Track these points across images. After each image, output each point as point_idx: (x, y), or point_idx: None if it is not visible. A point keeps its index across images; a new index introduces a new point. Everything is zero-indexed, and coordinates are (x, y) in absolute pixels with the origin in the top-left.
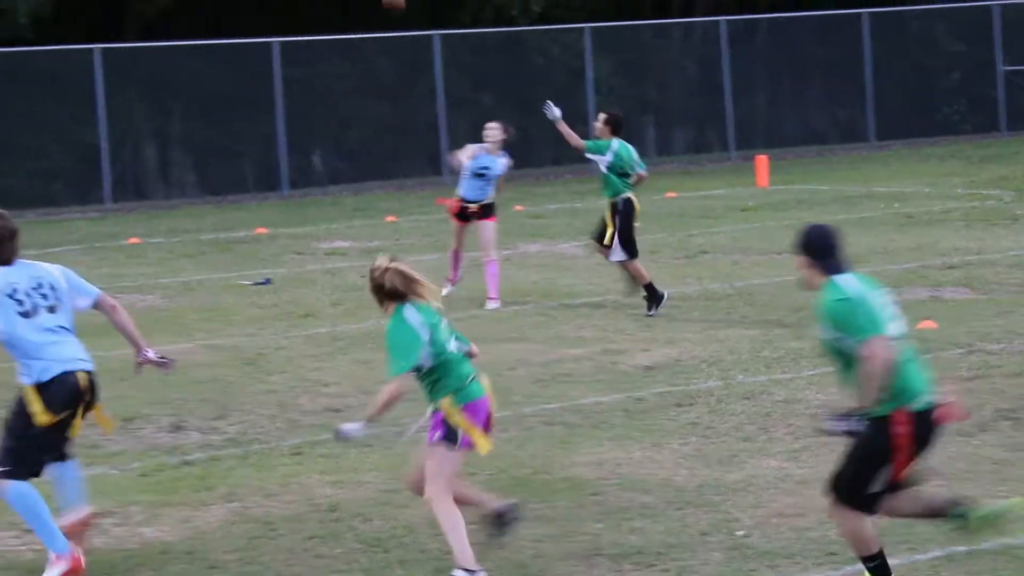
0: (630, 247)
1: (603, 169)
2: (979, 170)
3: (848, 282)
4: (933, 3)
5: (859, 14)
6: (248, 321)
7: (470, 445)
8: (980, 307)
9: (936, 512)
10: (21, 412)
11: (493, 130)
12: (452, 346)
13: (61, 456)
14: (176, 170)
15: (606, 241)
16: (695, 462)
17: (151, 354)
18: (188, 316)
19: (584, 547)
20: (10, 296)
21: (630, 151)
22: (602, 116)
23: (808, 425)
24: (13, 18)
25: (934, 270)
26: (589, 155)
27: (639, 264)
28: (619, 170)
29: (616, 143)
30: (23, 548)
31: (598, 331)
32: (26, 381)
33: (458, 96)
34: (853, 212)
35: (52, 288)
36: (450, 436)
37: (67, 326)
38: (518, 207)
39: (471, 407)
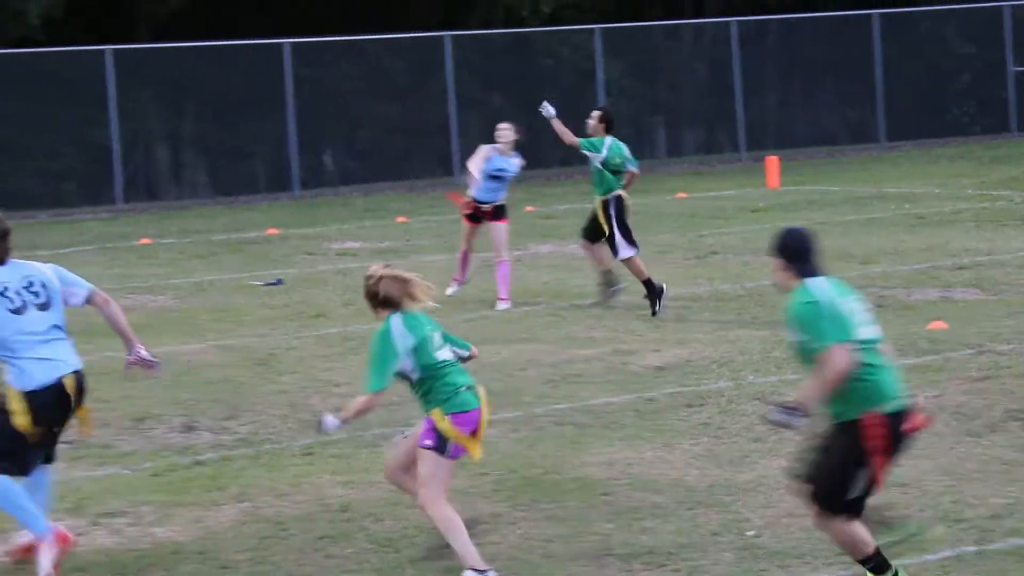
0: (633, 242)
1: (597, 165)
2: (989, 171)
3: (819, 286)
4: (944, 4)
5: (869, 15)
6: (259, 322)
7: (461, 452)
8: (990, 308)
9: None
10: (5, 411)
11: (505, 131)
12: (444, 354)
13: (46, 458)
14: (188, 171)
15: (604, 240)
16: (706, 462)
17: (143, 352)
18: (199, 317)
19: (595, 547)
20: (1, 294)
21: (623, 148)
22: (596, 113)
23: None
24: (25, 20)
25: (944, 271)
26: (584, 152)
27: (639, 260)
28: (613, 167)
29: (609, 140)
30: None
31: (609, 332)
32: (12, 384)
33: (469, 97)
34: (863, 213)
35: (43, 286)
36: (440, 445)
37: (59, 324)
38: (529, 208)
39: (459, 418)
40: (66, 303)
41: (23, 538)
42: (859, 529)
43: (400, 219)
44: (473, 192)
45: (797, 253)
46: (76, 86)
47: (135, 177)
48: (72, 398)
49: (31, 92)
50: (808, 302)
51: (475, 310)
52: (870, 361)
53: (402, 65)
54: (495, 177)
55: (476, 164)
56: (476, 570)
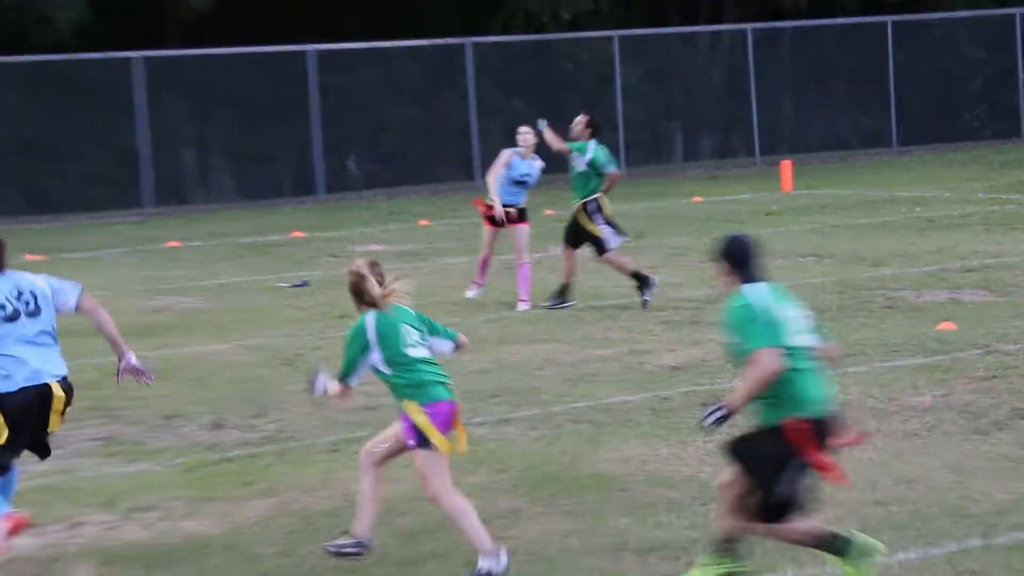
0: (620, 232)
1: (582, 168)
2: (999, 175)
3: (755, 291)
4: (956, 11)
5: (883, 22)
6: (285, 322)
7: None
8: (998, 309)
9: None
10: None
11: (526, 134)
12: (417, 352)
13: (43, 453)
14: (214, 175)
15: (599, 236)
16: (719, 459)
17: (133, 360)
18: (227, 317)
19: (611, 541)
20: None
21: (606, 151)
22: (583, 118)
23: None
24: (55, 26)
25: (953, 273)
26: (572, 155)
27: (620, 257)
28: (597, 170)
29: (594, 143)
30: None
31: (625, 332)
32: None
33: (489, 102)
34: (875, 216)
35: (33, 295)
36: (422, 441)
37: (49, 331)
38: (548, 211)
39: (434, 408)
40: (59, 311)
41: None
42: (807, 524)
43: (422, 222)
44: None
45: (739, 259)
46: (106, 92)
47: (163, 181)
48: (53, 403)
49: (62, 97)
50: (742, 306)
51: (495, 311)
52: (799, 367)
53: (424, 71)
54: (519, 182)
55: (496, 174)
56: (489, 552)
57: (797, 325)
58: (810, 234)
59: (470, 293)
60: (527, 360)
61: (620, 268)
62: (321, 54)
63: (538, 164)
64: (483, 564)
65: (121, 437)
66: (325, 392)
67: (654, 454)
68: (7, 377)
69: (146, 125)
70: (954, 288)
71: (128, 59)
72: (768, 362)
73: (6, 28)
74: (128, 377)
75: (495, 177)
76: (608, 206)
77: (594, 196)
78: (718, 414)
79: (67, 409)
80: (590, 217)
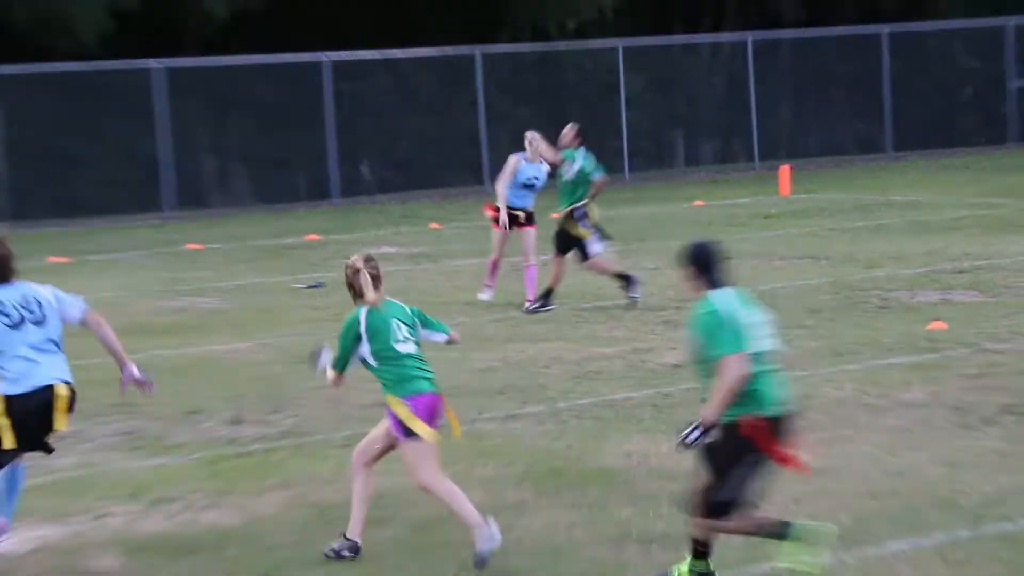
0: (603, 238)
1: (572, 175)
2: (990, 180)
3: (721, 297)
4: (949, 22)
5: (879, 32)
6: (301, 322)
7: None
8: (988, 309)
9: (698, 539)
10: None
11: (535, 139)
12: (405, 347)
13: (47, 450)
14: (233, 180)
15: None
16: None
17: (135, 372)
18: (245, 317)
19: (614, 531)
20: (1, 312)
21: (592, 158)
22: (572, 128)
23: (824, 420)
24: (79, 36)
25: (945, 274)
26: (565, 162)
27: (604, 260)
28: (584, 177)
29: (582, 151)
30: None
31: (628, 331)
32: (2, 390)
33: (498, 110)
34: (871, 219)
35: (39, 304)
36: (408, 432)
37: (54, 339)
38: (554, 215)
39: (414, 400)
40: (64, 321)
41: None
42: (758, 516)
43: (433, 225)
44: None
45: (705, 265)
46: (128, 99)
47: (183, 185)
48: (57, 403)
49: (86, 105)
50: (709, 312)
51: (504, 311)
52: (760, 369)
53: (435, 80)
54: (527, 186)
55: (505, 181)
56: (480, 525)
57: (760, 330)
58: (807, 237)
59: (483, 295)
60: (533, 358)
61: (604, 271)
62: (336, 63)
63: (545, 168)
64: (480, 546)
65: (144, 432)
66: (325, 371)
67: (656, 448)
68: (15, 381)
69: (167, 131)
70: (945, 289)
71: (149, 68)
72: (736, 368)
73: (32, 39)
74: (130, 387)
75: (504, 184)
76: (596, 212)
77: (581, 203)
78: (697, 432)
79: (72, 410)
80: (577, 223)
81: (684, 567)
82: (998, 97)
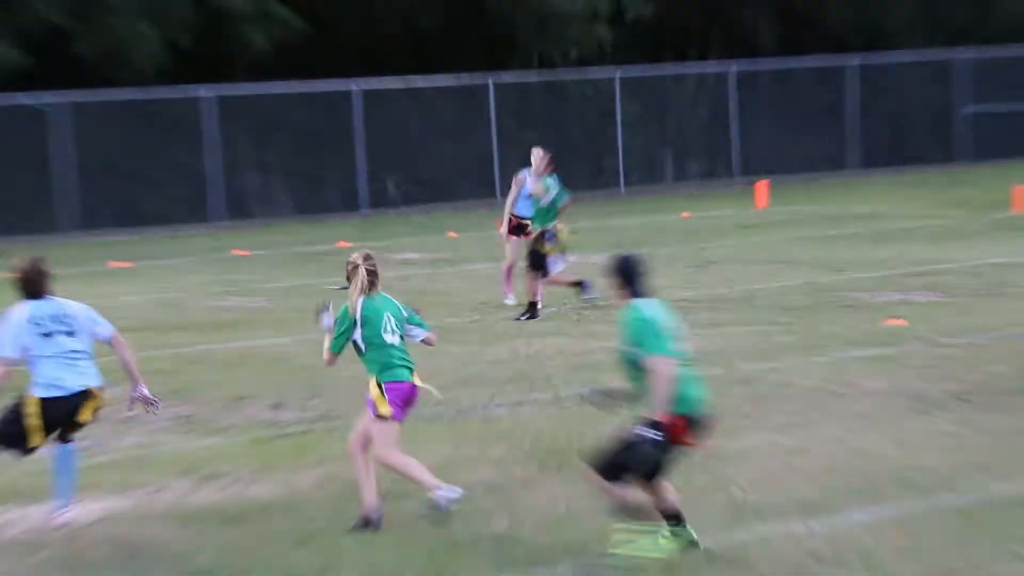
0: (565, 257)
1: (548, 202)
2: (943, 194)
3: (647, 305)
4: (907, 54)
5: (846, 63)
6: None
7: (401, 416)
8: (941, 308)
9: (664, 510)
10: (17, 407)
11: (539, 155)
12: (391, 338)
13: (64, 439)
14: (274, 193)
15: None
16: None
17: (144, 391)
18: (285, 315)
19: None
20: (32, 322)
21: (560, 182)
22: (546, 155)
23: (796, 406)
24: (139, 66)
25: (904, 277)
26: (549, 189)
27: (560, 275)
28: (558, 201)
29: (554, 177)
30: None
31: None
32: (33, 392)
33: (508, 132)
34: (838, 229)
35: (69, 318)
36: (378, 411)
37: (82, 349)
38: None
39: (392, 387)
40: (94, 336)
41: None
42: (638, 493)
43: (451, 234)
44: (515, 209)
45: (630, 276)
46: (182, 122)
47: (231, 198)
48: (82, 407)
49: (145, 128)
50: (639, 318)
51: (513, 310)
52: (679, 370)
53: (452, 105)
54: (531, 196)
55: (512, 197)
56: (437, 487)
57: (676, 335)
58: (782, 244)
59: (508, 300)
60: (540, 351)
61: (561, 283)
62: (365, 91)
63: (550, 181)
64: (436, 495)
65: (196, 416)
66: (326, 332)
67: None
68: (47, 386)
69: (216, 150)
70: (904, 290)
71: (200, 95)
72: (667, 366)
73: (99, 70)
74: (139, 405)
75: (511, 200)
76: (565, 234)
77: (552, 224)
78: (653, 432)
79: (97, 410)
80: (546, 242)
81: (667, 532)
82: (949, 121)
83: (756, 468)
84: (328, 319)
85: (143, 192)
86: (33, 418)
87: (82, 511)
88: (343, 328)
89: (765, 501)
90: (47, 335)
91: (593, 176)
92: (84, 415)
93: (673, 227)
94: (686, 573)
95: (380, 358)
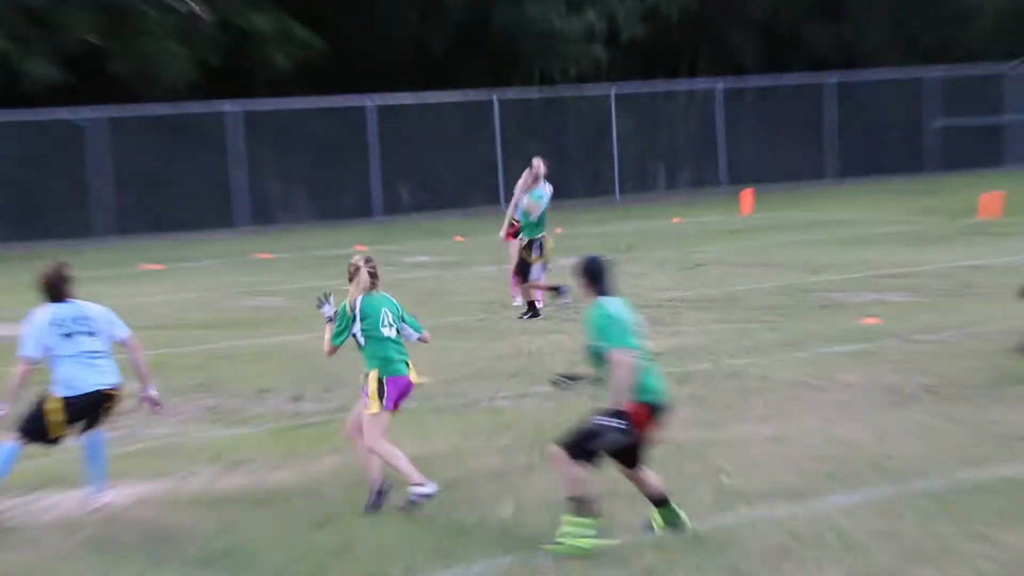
0: (546, 268)
1: (537, 216)
2: (914, 201)
3: (611, 303)
4: (881, 73)
5: (825, 80)
6: None
7: (392, 405)
8: (913, 307)
9: (650, 495)
10: (40, 404)
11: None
12: (388, 332)
13: (91, 427)
14: (295, 200)
15: (534, 263)
16: (691, 425)
17: (152, 392)
18: (305, 313)
19: (605, 488)
20: (54, 323)
21: (539, 196)
22: (532, 171)
23: (778, 398)
24: (169, 84)
25: (879, 278)
26: (537, 205)
27: (539, 282)
28: (546, 216)
29: (540, 191)
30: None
31: None
32: (54, 390)
33: (511, 144)
34: (816, 233)
35: (89, 319)
36: (378, 399)
37: (102, 350)
38: (558, 229)
39: (392, 381)
40: (112, 338)
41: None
42: (582, 471)
43: (458, 238)
44: (517, 215)
45: (595, 276)
46: (209, 135)
47: (254, 205)
48: (102, 404)
49: (176, 139)
50: (603, 315)
51: (516, 310)
52: (640, 363)
53: (460, 118)
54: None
55: (512, 204)
56: (419, 484)
57: (639, 330)
58: (765, 247)
59: (516, 301)
60: (541, 348)
61: (540, 288)
62: (379, 106)
63: (548, 188)
64: (412, 491)
65: (223, 407)
66: (326, 320)
67: None
68: (68, 385)
69: (241, 161)
70: (878, 290)
71: (226, 109)
72: (627, 359)
73: (132, 87)
74: (146, 405)
75: (512, 206)
76: (551, 244)
77: (539, 236)
78: (616, 421)
79: (116, 405)
80: (531, 252)
81: (657, 516)
82: (920, 134)
83: (742, 456)
84: (329, 309)
85: (173, 200)
86: (54, 414)
87: (117, 495)
88: (343, 324)
89: (751, 487)
90: (68, 336)
91: (590, 184)
92: (104, 410)
93: (665, 232)
94: (678, 553)
95: (379, 352)
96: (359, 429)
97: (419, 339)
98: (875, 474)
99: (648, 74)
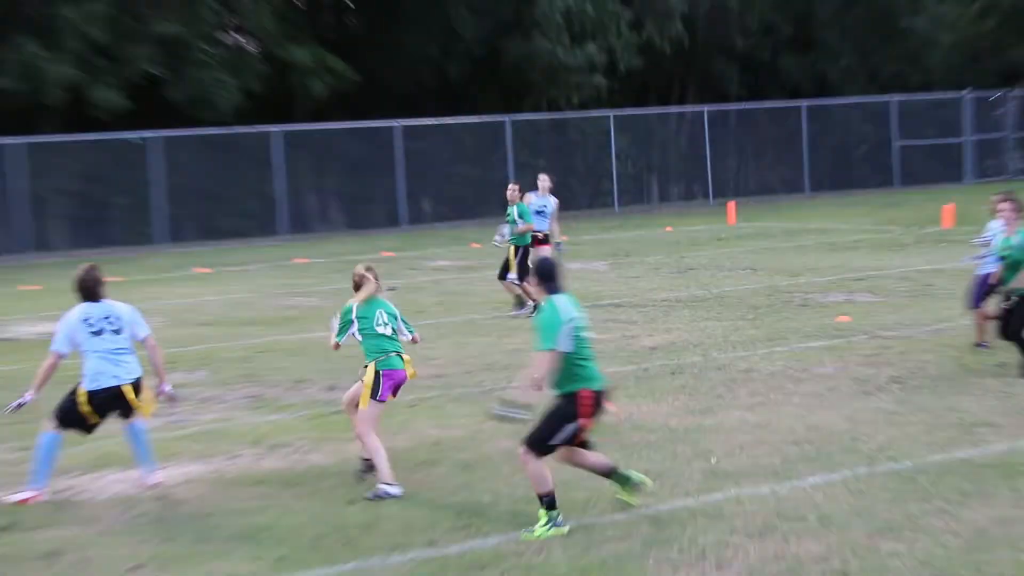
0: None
1: (525, 228)
2: (880, 212)
3: (559, 302)
4: (849, 98)
5: (799, 105)
6: None
7: (386, 398)
8: (880, 307)
9: (600, 472)
10: (73, 395)
11: (543, 180)
12: (384, 330)
13: (127, 416)
14: (330, 212)
15: (511, 274)
16: (683, 412)
17: (167, 388)
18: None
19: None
20: (85, 321)
21: (524, 210)
22: (516, 185)
23: (761, 388)
24: (219, 108)
25: (848, 281)
26: (523, 217)
27: (514, 286)
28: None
29: (545, 199)
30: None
31: (618, 323)
32: (82, 384)
33: (522, 162)
34: (793, 241)
35: (117, 318)
36: (372, 392)
37: (126, 347)
38: (564, 237)
39: (388, 373)
40: (133, 336)
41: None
42: (547, 469)
43: (474, 245)
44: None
45: (548, 276)
46: (254, 154)
47: (294, 216)
48: (127, 397)
49: (225, 158)
50: (550, 310)
51: (528, 309)
52: (584, 355)
53: (477, 139)
54: (538, 212)
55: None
56: (388, 484)
57: (583, 324)
58: (748, 253)
59: (529, 303)
60: None
61: (511, 292)
62: (405, 127)
63: (553, 200)
64: (381, 487)
65: (264, 396)
66: (332, 331)
67: (638, 409)
68: (93, 379)
69: (283, 177)
70: (849, 292)
71: (270, 131)
72: (545, 363)
73: (187, 111)
74: (163, 399)
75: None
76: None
77: (527, 246)
78: (517, 414)
79: (140, 397)
80: (515, 258)
81: (615, 486)
82: (885, 152)
83: (729, 440)
84: (334, 321)
85: (222, 211)
86: (83, 405)
87: (168, 475)
88: (343, 323)
89: (737, 467)
90: (97, 333)
91: (592, 197)
92: (130, 402)
93: (658, 239)
94: (672, 527)
95: (374, 346)
96: (354, 405)
97: (411, 339)
98: (849, 456)
99: (643, 100)
